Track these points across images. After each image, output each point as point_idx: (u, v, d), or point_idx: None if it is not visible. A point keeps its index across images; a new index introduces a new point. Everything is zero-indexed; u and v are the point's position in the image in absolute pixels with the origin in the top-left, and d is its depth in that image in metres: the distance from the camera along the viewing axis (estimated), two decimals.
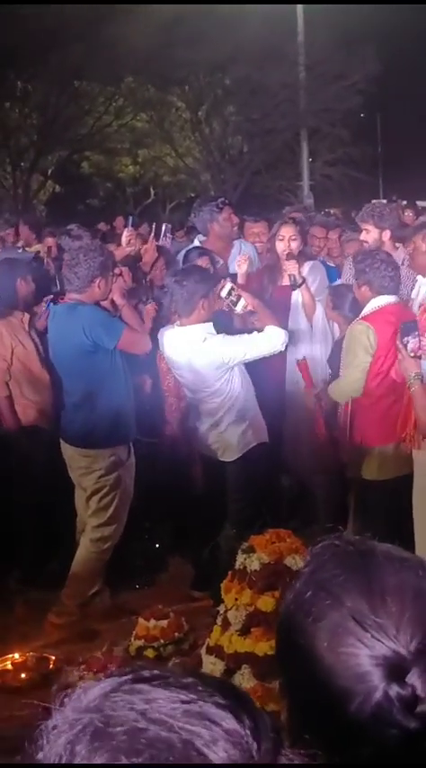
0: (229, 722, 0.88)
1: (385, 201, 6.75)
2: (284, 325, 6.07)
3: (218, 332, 5.25)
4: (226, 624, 4.09)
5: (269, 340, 5.25)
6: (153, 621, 4.82)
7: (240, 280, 5.97)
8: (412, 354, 4.67)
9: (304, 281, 6.02)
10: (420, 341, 4.71)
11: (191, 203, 9.09)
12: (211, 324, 5.26)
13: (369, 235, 6.02)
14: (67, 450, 5.34)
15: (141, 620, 4.87)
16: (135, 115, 26.97)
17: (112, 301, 5.34)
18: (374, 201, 7.51)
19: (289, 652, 1.21)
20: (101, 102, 26.47)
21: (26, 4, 19.88)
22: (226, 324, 5.46)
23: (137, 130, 27.46)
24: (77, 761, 0.87)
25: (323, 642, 1.16)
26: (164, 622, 4.83)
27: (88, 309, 5.12)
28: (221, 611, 4.18)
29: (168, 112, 26.89)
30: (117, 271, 5.35)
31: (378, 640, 1.12)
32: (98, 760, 0.86)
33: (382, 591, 1.17)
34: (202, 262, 6.04)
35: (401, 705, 1.09)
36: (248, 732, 0.89)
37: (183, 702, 0.89)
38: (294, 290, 6.05)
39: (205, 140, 26.20)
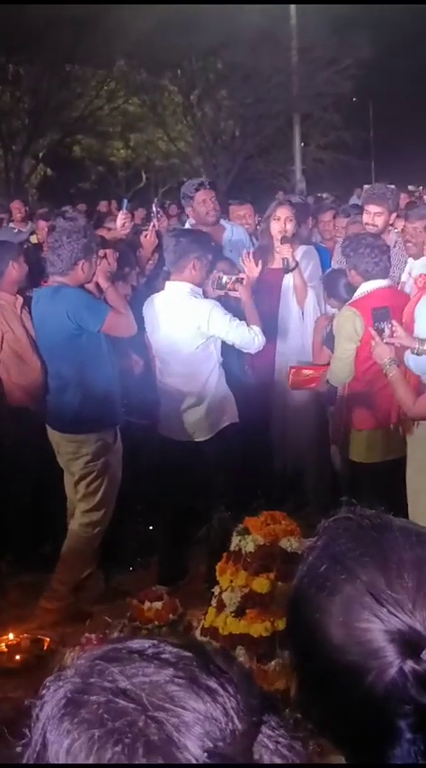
0: (206, 705, 0.87)
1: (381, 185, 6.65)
2: (274, 309, 6.10)
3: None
4: (221, 606, 4.09)
5: (249, 335, 5.25)
6: (147, 603, 4.82)
7: (247, 283, 5.92)
8: (385, 341, 4.71)
9: (296, 264, 6.00)
10: (393, 326, 4.73)
11: None
12: (201, 289, 5.26)
13: (380, 217, 5.94)
14: (54, 436, 5.30)
15: (135, 602, 4.87)
16: (127, 99, 26.91)
17: (97, 284, 5.31)
18: (375, 184, 7.45)
19: (302, 626, 1.20)
20: (93, 86, 26.40)
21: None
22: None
23: (129, 114, 27.40)
24: (49, 727, 0.88)
25: (338, 617, 1.14)
26: (159, 604, 4.82)
27: (72, 292, 5.07)
28: (216, 593, 4.18)
29: (160, 96, 26.84)
30: (101, 253, 5.30)
31: (394, 615, 1.11)
32: (66, 727, 0.87)
33: (398, 565, 1.15)
34: None
35: (416, 681, 1.09)
36: (225, 715, 0.88)
37: (167, 680, 0.89)
38: (287, 273, 6.02)
39: (197, 125, 26.15)
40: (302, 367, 5.81)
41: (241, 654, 3.91)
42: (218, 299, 5.43)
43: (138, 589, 5.21)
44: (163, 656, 0.92)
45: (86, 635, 4.38)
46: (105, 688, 0.88)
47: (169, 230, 5.41)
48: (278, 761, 0.88)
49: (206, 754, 0.85)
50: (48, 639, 4.92)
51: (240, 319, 5.31)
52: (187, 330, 5.22)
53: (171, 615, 4.79)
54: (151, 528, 5.93)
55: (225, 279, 5.44)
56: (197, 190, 6.49)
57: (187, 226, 6.76)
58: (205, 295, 5.34)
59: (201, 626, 4.24)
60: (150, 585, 5.24)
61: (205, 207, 6.45)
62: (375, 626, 1.12)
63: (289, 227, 6.01)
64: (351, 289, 5.50)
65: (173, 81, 26.31)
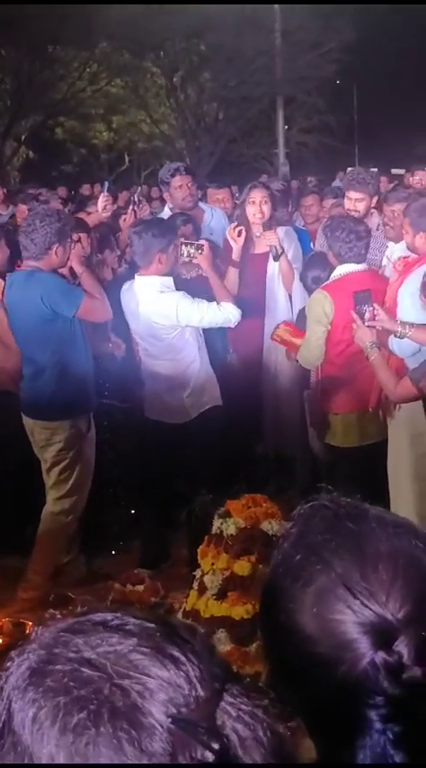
0: (170, 672, 0.89)
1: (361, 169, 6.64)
2: (260, 294, 6.09)
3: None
4: (203, 588, 4.10)
5: (223, 312, 5.25)
6: (129, 586, 4.84)
7: (235, 255, 5.92)
8: (367, 324, 4.71)
9: (283, 250, 5.98)
10: (374, 309, 4.74)
11: None
12: (171, 279, 5.24)
13: (362, 203, 5.93)
14: (28, 423, 5.25)
15: (117, 586, 4.88)
16: (109, 81, 26.76)
17: (71, 269, 5.27)
18: (354, 168, 7.44)
19: (275, 616, 1.20)
20: (75, 68, 26.23)
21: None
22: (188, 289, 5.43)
23: (111, 96, 27.25)
24: (14, 697, 0.89)
25: (312, 607, 1.14)
26: (140, 587, 4.85)
27: (46, 277, 5.00)
28: (197, 576, 4.19)
29: (143, 78, 26.69)
30: (75, 237, 5.25)
31: (367, 607, 1.11)
32: (31, 696, 0.88)
33: (374, 557, 1.15)
34: (186, 230, 5.99)
35: (387, 672, 1.09)
36: (188, 682, 0.89)
37: (130, 649, 0.90)
38: (276, 260, 5.98)
39: (180, 107, 26.04)
40: (295, 330, 5.76)
41: (222, 636, 3.93)
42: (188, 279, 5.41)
43: (120, 572, 5.23)
44: (126, 627, 0.93)
45: (50, 611, 4.38)
46: (70, 658, 0.90)
47: (131, 226, 5.37)
48: (240, 727, 0.90)
49: (169, 720, 0.86)
50: (30, 623, 4.91)
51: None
52: (160, 322, 5.22)
53: (152, 598, 4.81)
54: (133, 511, 5.93)
55: (184, 250, 5.41)
56: (173, 175, 6.47)
57: (166, 210, 6.75)
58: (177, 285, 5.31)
59: (183, 609, 4.25)
60: (132, 569, 5.25)
61: (181, 192, 6.43)
62: (348, 618, 1.11)
63: (265, 209, 5.96)
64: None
65: (155, 63, 26.17)
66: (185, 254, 5.39)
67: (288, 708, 1.20)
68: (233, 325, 5.41)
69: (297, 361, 5.69)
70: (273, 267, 6.04)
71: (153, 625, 0.94)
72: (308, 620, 1.14)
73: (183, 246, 5.39)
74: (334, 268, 5.31)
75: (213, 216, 6.67)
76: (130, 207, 6.81)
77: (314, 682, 1.13)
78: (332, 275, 5.27)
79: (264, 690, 1.01)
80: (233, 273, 5.93)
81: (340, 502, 1.24)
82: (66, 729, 0.85)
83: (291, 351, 5.74)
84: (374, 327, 4.76)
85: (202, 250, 5.40)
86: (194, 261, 5.43)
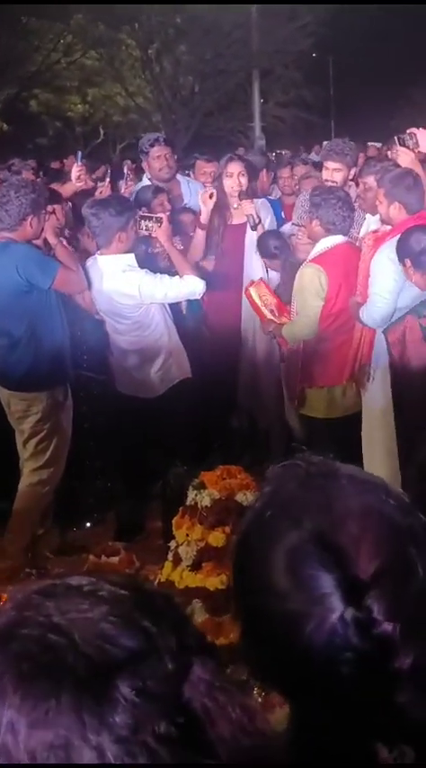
0: (138, 643, 0.88)
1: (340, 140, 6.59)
2: (239, 265, 6.07)
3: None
4: (177, 560, 4.11)
5: (187, 285, 5.23)
6: (104, 558, 4.84)
7: (203, 218, 5.89)
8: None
9: (260, 220, 5.96)
10: None
11: None
12: (133, 256, 5.20)
13: (339, 173, 5.90)
14: (4, 394, 5.24)
15: (92, 558, 4.88)
16: (84, 53, 26.47)
17: (45, 240, 5.23)
18: (332, 140, 7.39)
19: (246, 574, 1.20)
20: (49, 39, 25.90)
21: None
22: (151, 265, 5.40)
23: (86, 68, 26.97)
24: None
25: (281, 564, 1.14)
26: (115, 559, 4.85)
27: (21, 248, 4.98)
28: (172, 547, 4.19)
29: (118, 51, 26.39)
30: (49, 208, 5.21)
31: (337, 563, 1.11)
32: None
33: (343, 513, 1.15)
34: (159, 201, 5.95)
35: (357, 628, 1.09)
36: (156, 655, 0.89)
37: (100, 617, 0.89)
38: (254, 230, 5.96)
39: (156, 80, 25.78)
40: (271, 292, 5.71)
41: (197, 607, 3.93)
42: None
43: (95, 544, 5.24)
44: (100, 593, 0.93)
45: (27, 570, 4.37)
46: (39, 622, 0.89)
47: (87, 204, 5.31)
48: (209, 703, 0.89)
49: (134, 692, 0.86)
50: (5, 596, 4.90)
51: None
52: (124, 302, 5.19)
53: (127, 570, 4.82)
54: (108, 484, 5.92)
55: (143, 225, 5.37)
56: (152, 145, 6.48)
57: (145, 181, 6.70)
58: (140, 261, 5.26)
59: (158, 580, 4.25)
60: (107, 541, 5.26)
61: (159, 163, 6.42)
62: (318, 573, 1.11)
63: (243, 181, 5.95)
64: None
65: (131, 35, 25.88)
66: (144, 229, 5.35)
67: (258, 671, 1.20)
68: (198, 297, 5.39)
69: (273, 335, 5.68)
70: (251, 238, 6.03)
71: (126, 593, 0.93)
72: (278, 577, 1.14)
73: (142, 221, 5.35)
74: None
75: (190, 189, 6.64)
76: (107, 179, 6.77)
77: (282, 640, 1.13)
78: (320, 247, 5.23)
79: (240, 663, 1.00)
80: (200, 236, 5.92)
81: (311, 460, 1.24)
82: (27, 696, 0.85)
83: (263, 321, 5.72)
84: None
85: (161, 223, 5.36)
86: (153, 235, 5.39)
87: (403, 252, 4.66)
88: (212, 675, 0.92)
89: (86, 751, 0.83)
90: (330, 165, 5.94)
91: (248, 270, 6.06)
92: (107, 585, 0.94)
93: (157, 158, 6.44)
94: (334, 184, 5.76)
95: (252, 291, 5.71)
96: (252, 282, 5.78)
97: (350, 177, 5.99)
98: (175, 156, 6.85)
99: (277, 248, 5.86)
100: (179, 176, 6.83)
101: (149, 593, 0.97)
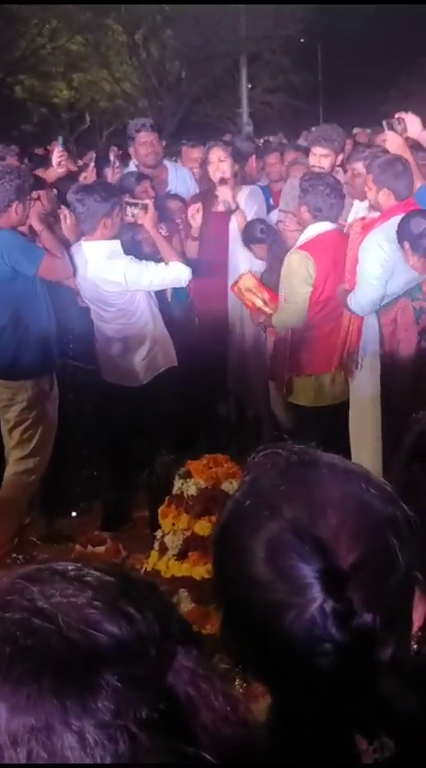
0: (122, 630, 0.88)
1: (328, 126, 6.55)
2: (224, 252, 6.05)
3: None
4: (164, 549, 4.11)
5: (172, 273, 5.20)
6: (90, 547, 4.83)
7: (194, 231, 5.92)
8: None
9: (237, 206, 5.94)
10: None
11: None
12: (118, 242, 5.17)
13: (327, 159, 5.87)
14: None
15: (78, 547, 4.88)
16: (70, 38, 26.31)
17: (30, 227, 5.19)
18: (320, 126, 7.36)
19: (227, 563, 1.18)
20: (35, 25, 25.73)
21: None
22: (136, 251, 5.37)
23: (72, 53, 26.82)
24: None
25: (260, 554, 1.13)
26: (102, 548, 4.85)
27: (6, 234, 4.93)
28: (158, 537, 4.19)
29: (104, 36, 26.25)
30: (35, 195, 5.17)
31: (317, 553, 1.10)
32: None
33: (323, 503, 1.14)
34: (142, 188, 5.93)
35: (337, 618, 1.08)
36: (140, 641, 0.89)
37: (85, 602, 0.89)
38: (229, 215, 5.96)
39: (142, 65, 25.69)
40: (259, 283, 5.69)
41: (183, 596, 3.93)
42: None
43: (81, 534, 5.23)
44: (85, 578, 0.92)
45: (13, 555, 4.37)
46: (22, 606, 0.89)
47: (72, 190, 5.27)
48: (192, 691, 0.89)
49: (116, 678, 0.85)
50: None
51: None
52: (109, 289, 5.16)
53: (114, 559, 4.81)
54: (94, 473, 5.91)
55: (129, 211, 5.34)
56: (138, 131, 6.44)
57: (131, 167, 6.67)
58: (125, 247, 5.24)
59: (144, 569, 4.25)
60: (93, 530, 5.24)
61: (145, 149, 6.40)
62: (297, 564, 1.10)
63: (224, 167, 5.94)
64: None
65: (117, 20, 25.75)
66: (130, 215, 5.32)
67: (238, 661, 1.19)
68: (184, 284, 5.37)
69: (263, 325, 5.67)
70: (235, 225, 6.00)
71: (112, 579, 0.93)
72: (258, 566, 1.13)
73: (128, 207, 5.32)
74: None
75: (177, 175, 6.61)
76: (91, 164, 6.73)
77: (262, 630, 1.12)
78: (308, 234, 5.21)
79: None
80: (192, 246, 5.95)
81: (292, 449, 1.22)
82: (8, 679, 0.85)
83: (253, 311, 5.70)
84: None
85: (147, 210, 5.33)
86: (139, 221, 5.36)
87: (402, 235, 4.67)
88: (196, 664, 0.91)
89: (68, 735, 0.83)
90: (317, 150, 5.91)
91: (233, 257, 6.04)
92: (92, 571, 0.94)
93: (144, 144, 6.42)
94: (322, 170, 5.74)
95: (241, 284, 5.68)
96: (241, 276, 5.74)
97: (338, 163, 5.97)
98: (164, 143, 6.82)
99: (263, 232, 5.84)
100: (167, 162, 6.81)
101: (134, 580, 0.97)
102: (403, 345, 4.93)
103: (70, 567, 0.94)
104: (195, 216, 5.88)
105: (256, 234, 5.84)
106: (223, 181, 5.91)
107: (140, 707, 0.85)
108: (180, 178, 6.61)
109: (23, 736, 0.84)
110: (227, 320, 6.10)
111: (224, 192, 5.90)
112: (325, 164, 5.84)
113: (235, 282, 5.73)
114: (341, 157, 5.96)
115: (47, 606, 0.89)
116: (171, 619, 0.93)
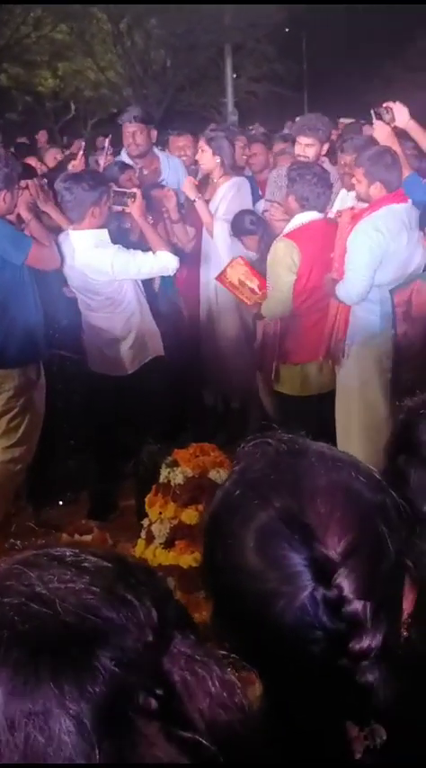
0: (119, 615, 0.89)
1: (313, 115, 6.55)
2: (197, 244, 6.08)
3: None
4: (151, 538, 4.11)
5: (160, 261, 5.20)
6: (77, 537, 4.83)
7: (173, 215, 5.94)
8: None
9: (195, 198, 5.95)
10: None
11: (114, 119, 8.94)
12: (106, 231, 5.16)
13: (311, 149, 5.87)
14: None
15: (65, 536, 4.87)
16: (54, 26, 26.14)
17: (18, 215, 5.17)
18: (305, 115, 7.36)
19: (216, 553, 1.19)
20: (18, 13, 25.55)
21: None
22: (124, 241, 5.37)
23: (56, 42, 26.65)
24: None
25: (250, 543, 1.14)
26: (89, 537, 4.84)
27: None
28: (145, 525, 4.19)
29: (89, 24, 26.11)
30: (23, 183, 5.15)
31: (306, 541, 1.11)
32: None
33: (312, 491, 1.14)
34: (126, 177, 5.92)
35: (326, 606, 1.09)
36: (137, 627, 0.89)
37: (82, 587, 0.90)
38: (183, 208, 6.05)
39: (127, 54, 25.57)
40: (252, 270, 5.68)
41: (171, 584, 3.94)
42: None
43: (68, 523, 5.22)
44: (83, 563, 0.93)
45: (11, 541, 4.36)
46: (20, 591, 0.89)
47: (60, 178, 5.25)
48: (188, 676, 0.89)
49: (113, 663, 0.86)
50: None
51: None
52: (97, 278, 5.14)
53: None
54: (82, 462, 5.91)
55: (120, 201, 5.34)
56: (125, 121, 6.45)
57: (123, 156, 6.67)
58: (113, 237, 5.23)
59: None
60: (80, 519, 5.24)
61: (132, 139, 6.40)
62: (287, 552, 1.11)
63: (205, 158, 6.01)
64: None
65: (101, 9, 25.60)
66: (120, 205, 5.31)
67: (231, 650, 1.20)
68: (171, 273, 5.37)
69: (256, 316, 5.67)
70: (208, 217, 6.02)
71: (109, 564, 0.94)
72: (248, 555, 1.14)
73: (116, 196, 5.31)
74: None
75: (169, 164, 6.61)
76: (80, 153, 6.72)
77: (253, 618, 1.12)
78: (295, 223, 5.20)
79: (213, 640, 1.01)
80: (178, 228, 6.03)
81: (281, 438, 1.23)
82: (5, 664, 0.85)
83: (246, 306, 5.69)
84: None
85: (134, 198, 5.32)
86: (127, 210, 5.35)
87: (424, 221, 4.70)
88: (192, 649, 0.92)
89: (65, 719, 0.84)
90: (302, 140, 5.92)
91: (204, 244, 6.05)
92: (90, 557, 0.94)
93: (131, 134, 6.44)
94: (306, 159, 5.74)
95: (230, 274, 5.66)
96: (229, 264, 5.73)
97: (323, 152, 5.97)
98: (156, 132, 6.82)
99: (253, 223, 5.84)
100: (158, 151, 6.81)
101: (132, 565, 0.97)
102: (416, 325, 4.95)
103: (68, 553, 0.95)
104: (188, 190, 5.96)
105: (246, 225, 5.84)
106: (218, 171, 5.97)
107: (137, 691, 0.86)
108: (172, 167, 6.62)
109: (21, 721, 0.84)
110: (199, 311, 6.11)
111: (185, 185, 5.98)
112: (310, 153, 5.84)
113: (223, 272, 5.71)
114: (326, 147, 5.96)
115: (44, 591, 0.89)
116: (168, 604, 0.94)
